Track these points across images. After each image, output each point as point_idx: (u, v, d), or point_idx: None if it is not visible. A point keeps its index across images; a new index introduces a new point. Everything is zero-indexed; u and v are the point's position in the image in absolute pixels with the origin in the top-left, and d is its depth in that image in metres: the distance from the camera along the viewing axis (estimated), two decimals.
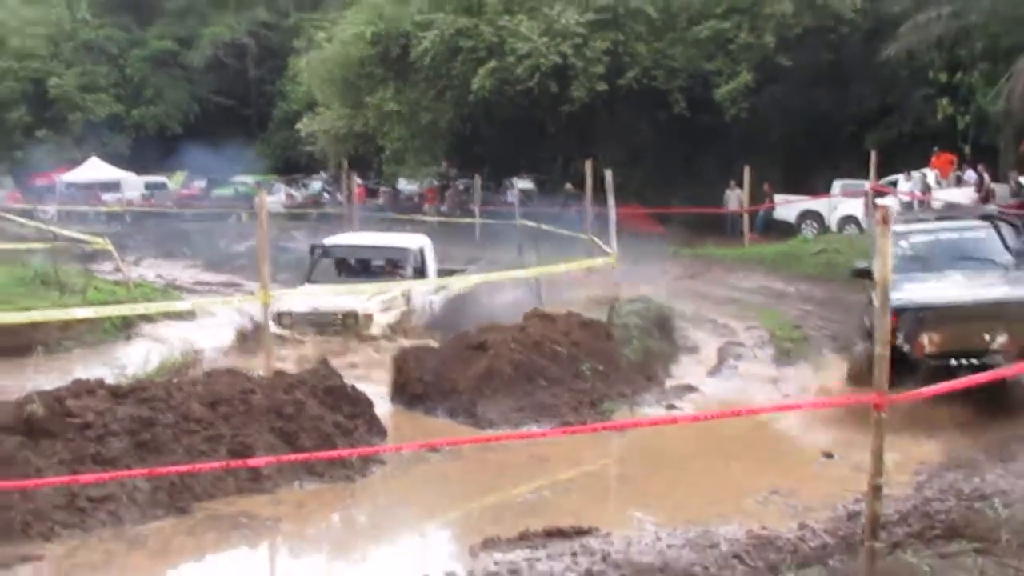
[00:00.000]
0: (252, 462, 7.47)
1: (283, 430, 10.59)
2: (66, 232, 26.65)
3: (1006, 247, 12.60)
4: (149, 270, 28.57)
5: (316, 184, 47.75)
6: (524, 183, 36.08)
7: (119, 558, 8.46)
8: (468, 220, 32.69)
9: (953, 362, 11.15)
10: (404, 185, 44.50)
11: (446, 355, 13.75)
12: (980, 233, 13.10)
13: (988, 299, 11.57)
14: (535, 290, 18.27)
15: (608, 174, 17.13)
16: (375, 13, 35.20)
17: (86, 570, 8.25)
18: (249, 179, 48.68)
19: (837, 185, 30.30)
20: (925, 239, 13.29)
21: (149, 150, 53.47)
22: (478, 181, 34.85)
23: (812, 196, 30.28)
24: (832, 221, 29.99)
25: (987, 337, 11.17)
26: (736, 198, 30.48)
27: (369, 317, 16.00)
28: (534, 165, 37.53)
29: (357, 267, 18.84)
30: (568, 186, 32.37)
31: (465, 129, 36.92)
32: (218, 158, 48.44)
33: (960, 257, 12.73)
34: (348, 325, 15.91)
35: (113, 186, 50.17)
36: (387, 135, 38.24)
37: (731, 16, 31.28)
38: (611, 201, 17.16)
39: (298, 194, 47.27)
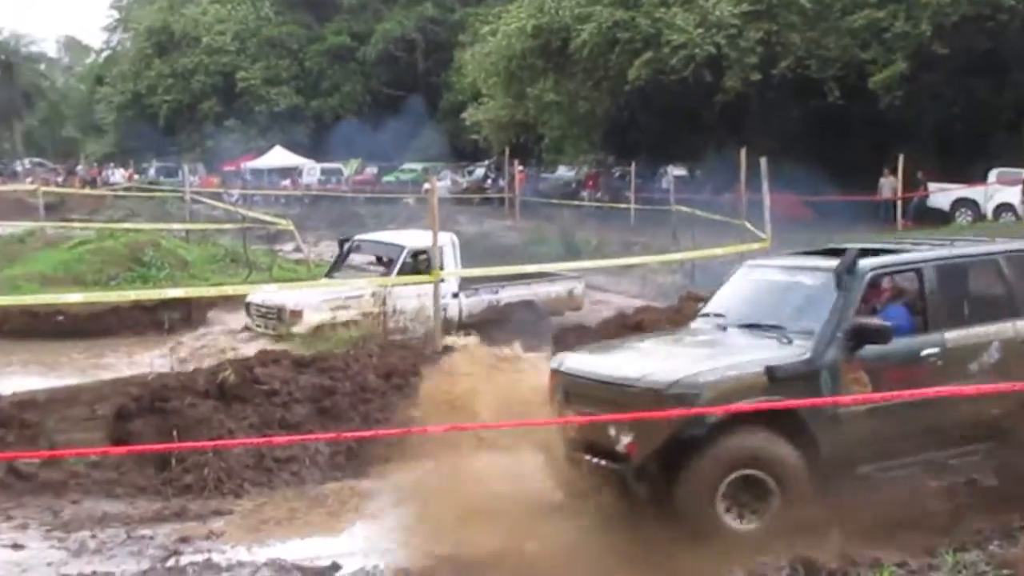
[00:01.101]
0: (432, 428, 7.65)
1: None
2: (252, 214, 27.60)
3: (841, 311, 7.68)
4: (326, 250, 29.32)
5: (480, 171, 48.25)
6: (678, 170, 35.77)
7: (301, 515, 8.77)
8: (623, 206, 32.58)
9: (589, 458, 7.57)
10: (562, 172, 44.62)
11: (602, 333, 13.78)
12: (812, 283, 8.27)
13: (611, 377, 7.68)
14: (689, 274, 18.13)
15: (763, 162, 16.86)
16: (536, 7, 35.27)
17: (272, 524, 8.58)
18: (417, 166, 49.56)
19: (993, 173, 29.16)
20: (758, 282, 8.97)
21: (326, 139, 54.87)
22: (633, 168, 34.74)
23: (967, 184, 29.23)
24: (988, 209, 28.87)
25: (613, 433, 7.38)
26: (890, 186, 29.63)
27: (296, 314, 14.96)
28: (688, 153, 37.15)
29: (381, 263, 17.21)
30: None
31: (621, 118, 36.74)
32: (389, 146, 49.41)
33: (763, 312, 8.34)
34: (282, 319, 15.05)
35: (293, 172, 51.82)
36: (547, 124, 38.43)
37: (886, 5, 30.28)
38: (765, 188, 16.89)
39: (463, 180, 47.90)
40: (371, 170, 53.12)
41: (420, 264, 15.21)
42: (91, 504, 8.75)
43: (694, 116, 34.22)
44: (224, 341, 15.58)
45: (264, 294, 15.47)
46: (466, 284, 15.76)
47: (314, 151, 54.47)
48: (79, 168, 65.68)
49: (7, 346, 16.45)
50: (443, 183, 42.85)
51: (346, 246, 16.93)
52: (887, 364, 7.69)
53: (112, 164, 64.76)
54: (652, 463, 7.30)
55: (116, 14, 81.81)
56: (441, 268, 13.53)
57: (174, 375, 10.81)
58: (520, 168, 38.24)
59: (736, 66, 30.97)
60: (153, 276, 20.47)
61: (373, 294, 15.19)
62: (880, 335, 7.60)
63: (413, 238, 16.16)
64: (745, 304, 8.63)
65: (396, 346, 12.20)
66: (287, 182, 50.23)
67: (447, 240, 15.31)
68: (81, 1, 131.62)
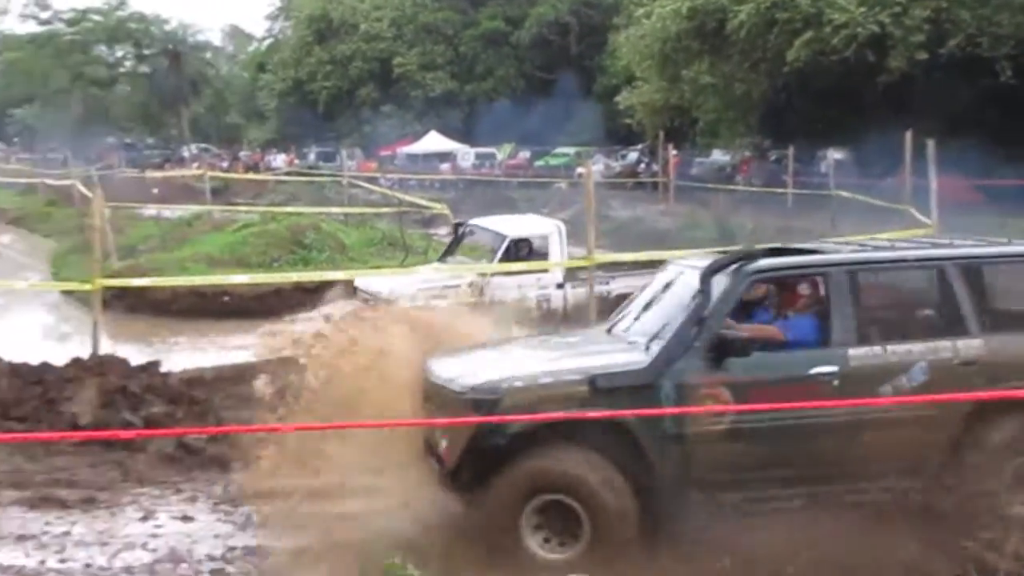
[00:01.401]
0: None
1: None
2: (409, 197, 28.01)
3: (701, 318, 6.79)
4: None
5: (633, 155, 47.94)
6: (838, 154, 34.82)
7: None
8: (780, 190, 31.91)
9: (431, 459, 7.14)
10: (717, 156, 43.97)
11: None
12: (679, 289, 7.54)
13: (439, 378, 7.13)
14: None
15: (930, 144, 16.24)
16: None
17: None
18: (570, 150, 49.52)
19: None
20: (670, 282, 7.94)
21: (479, 123, 55.36)
22: (791, 152, 33.96)
23: None
24: None
25: (437, 436, 6.92)
26: None
27: (389, 301, 14.18)
28: (847, 136, 36.12)
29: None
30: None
31: (778, 100, 35.96)
32: (542, 130, 49.52)
33: (659, 316, 7.47)
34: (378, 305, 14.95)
35: (447, 157, 52.44)
36: (701, 107, 37.91)
37: None
38: (932, 171, 16.26)
39: (616, 164, 47.67)
40: (524, 154, 53.36)
41: (522, 253, 14.96)
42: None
43: (855, 98, 33.23)
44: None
45: (366, 279, 15.20)
46: (573, 275, 14.71)
47: (468, 136, 55.03)
48: (242, 154, 67.91)
49: (176, 325, 17.14)
50: (596, 167, 42.70)
51: (460, 231, 16.32)
52: (758, 381, 6.75)
53: (274, 149, 66.76)
54: (465, 471, 6.71)
55: (278, 3, 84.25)
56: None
57: None
58: (674, 152, 37.82)
59: (901, 45, 29.93)
60: (314, 258, 21.00)
61: (470, 284, 14.64)
62: (738, 348, 6.72)
63: (516, 226, 15.67)
64: (650, 306, 7.80)
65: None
66: (446, 166, 50.85)
67: (552, 228, 15.03)
68: None
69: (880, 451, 6.60)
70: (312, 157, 60.19)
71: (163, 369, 11.25)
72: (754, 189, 34.65)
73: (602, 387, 6.54)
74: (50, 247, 30.79)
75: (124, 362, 11.15)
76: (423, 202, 27.37)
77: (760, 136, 39.77)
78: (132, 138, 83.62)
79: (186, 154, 69.22)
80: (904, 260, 7.56)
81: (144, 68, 78.81)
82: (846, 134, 35.57)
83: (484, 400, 6.61)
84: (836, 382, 6.73)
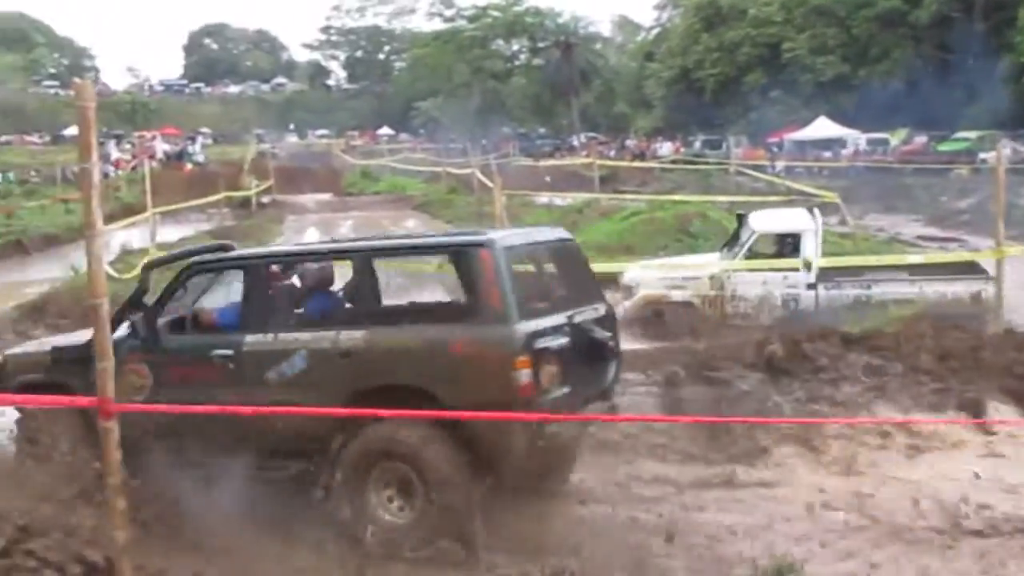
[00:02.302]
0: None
1: (1013, 389, 10.00)
2: (797, 186, 27.38)
3: (144, 304, 7.97)
4: (872, 223, 28.41)
5: None
6: None
7: None
8: None
9: None
10: None
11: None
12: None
13: None
14: None
15: None
16: None
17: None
18: (971, 134, 46.42)
19: None
20: None
21: (872, 108, 53.07)
22: None
23: None
24: None
25: None
26: None
27: (629, 289, 15.01)
28: None
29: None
30: None
31: None
32: (940, 114, 46.74)
33: None
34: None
35: (836, 143, 50.73)
36: None
37: None
38: None
39: None
40: (920, 139, 50.59)
41: (771, 248, 14.76)
42: (643, 465, 9.13)
43: None
44: None
45: (632, 270, 15.55)
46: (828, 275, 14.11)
47: (858, 121, 52.89)
48: (629, 142, 69.10)
49: None
50: (1004, 152, 39.78)
51: (741, 222, 15.80)
52: (168, 360, 7.77)
53: (660, 137, 67.44)
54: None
55: None
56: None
57: (722, 345, 11.00)
58: None
59: None
60: (700, 247, 20.98)
61: (711, 277, 14.64)
62: (135, 331, 7.75)
63: (768, 220, 15.43)
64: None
65: (950, 327, 11.47)
66: (847, 151, 49.12)
67: (807, 224, 14.47)
68: None
69: (272, 432, 7.17)
70: (698, 145, 60.23)
71: None
72: None
73: (61, 358, 8.08)
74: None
75: None
76: (812, 190, 26.64)
77: None
78: (525, 128, 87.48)
79: (576, 143, 71.40)
80: (304, 255, 8.42)
81: (538, 60, 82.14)
82: None
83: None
84: (231, 364, 7.54)
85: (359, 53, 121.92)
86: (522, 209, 30.52)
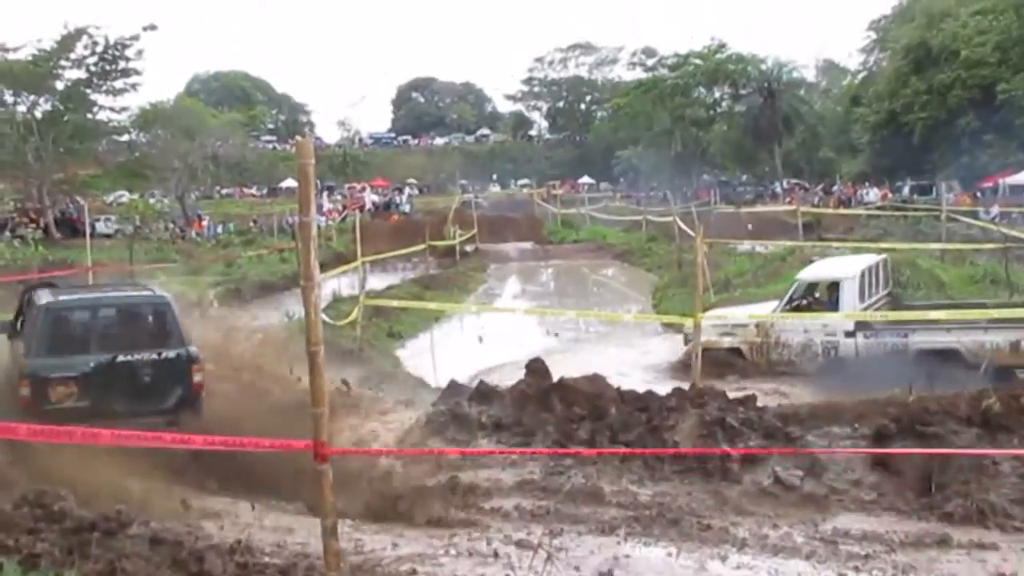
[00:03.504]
0: None
1: None
2: (1014, 232, 26.13)
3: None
4: None
5: None
6: None
7: None
8: None
9: None
10: None
11: None
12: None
13: None
14: None
15: None
16: None
17: None
18: None
19: None
20: None
21: None
22: None
23: None
24: None
25: None
26: None
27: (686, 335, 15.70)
28: None
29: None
30: None
31: None
32: None
33: None
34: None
35: None
36: None
37: None
38: None
39: None
40: None
41: (811, 297, 15.90)
42: (850, 520, 8.83)
43: None
44: None
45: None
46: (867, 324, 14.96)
47: None
48: (835, 188, 67.41)
49: None
50: None
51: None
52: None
53: (866, 183, 65.53)
54: None
55: (873, 35, 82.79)
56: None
57: (935, 398, 10.56)
58: None
59: None
60: (908, 296, 20.27)
61: (757, 325, 15.64)
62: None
63: (813, 270, 16.87)
64: None
65: None
66: None
67: (849, 274, 15.40)
68: (840, 26, 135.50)
69: None
70: (906, 190, 58.22)
71: (759, 404, 11.47)
72: None
73: None
74: (651, 280, 32.70)
75: (723, 395, 11.54)
76: None
77: None
78: (726, 175, 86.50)
79: (778, 189, 70.11)
80: None
81: (740, 107, 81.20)
82: None
83: None
84: None
85: (561, 104, 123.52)
86: (722, 257, 30.19)
